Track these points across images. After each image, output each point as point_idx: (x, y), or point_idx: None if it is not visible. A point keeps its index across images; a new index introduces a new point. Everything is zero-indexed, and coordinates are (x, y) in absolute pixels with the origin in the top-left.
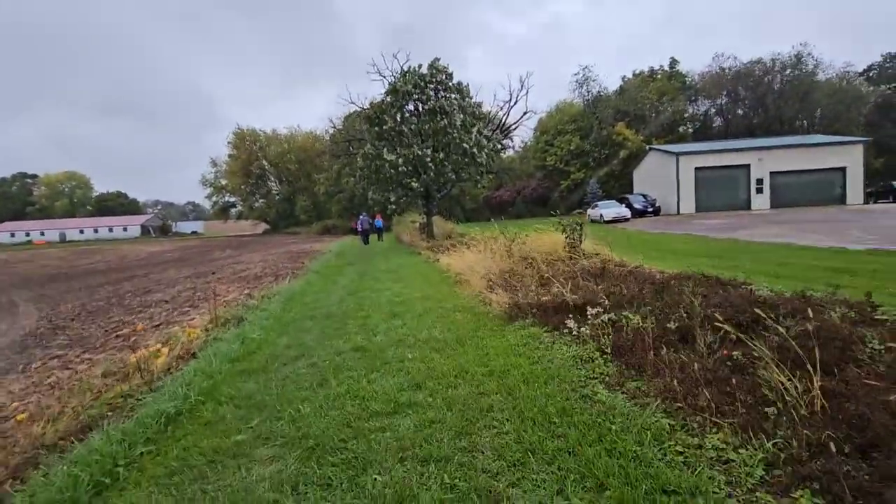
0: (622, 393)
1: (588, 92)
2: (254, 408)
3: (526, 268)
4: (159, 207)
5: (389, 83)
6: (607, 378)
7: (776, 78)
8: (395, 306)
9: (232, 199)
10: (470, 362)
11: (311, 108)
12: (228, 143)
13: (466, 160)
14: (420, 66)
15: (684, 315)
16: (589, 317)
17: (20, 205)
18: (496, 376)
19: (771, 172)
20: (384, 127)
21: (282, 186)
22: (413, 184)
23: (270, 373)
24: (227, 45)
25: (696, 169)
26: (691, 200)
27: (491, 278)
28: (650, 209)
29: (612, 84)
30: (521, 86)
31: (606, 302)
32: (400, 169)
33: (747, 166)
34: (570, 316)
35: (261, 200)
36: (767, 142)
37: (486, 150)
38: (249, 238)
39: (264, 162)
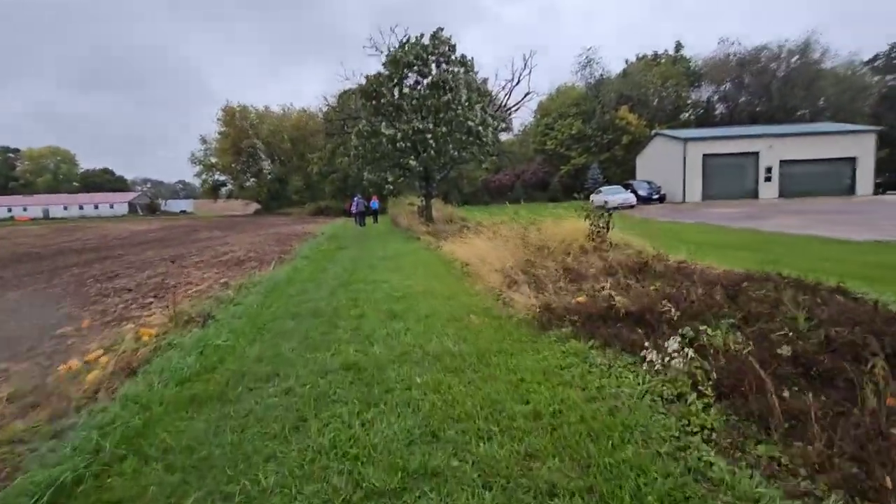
0: (750, 467)
1: (591, 75)
2: (194, 471)
3: (545, 259)
4: (148, 185)
5: (388, 55)
6: (714, 434)
7: (782, 65)
8: (394, 303)
9: (222, 178)
10: (501, 393)
11: (303, 87)
12: (218, 119)
13: (470, 139)
14: (422, 36)
15: (791, 335)
16: (663, 333)
17: (2, 179)
18: (545, 422)
19: (781, 161)
20: (381, 101)
21: (274, 166)
22: (411, 162)
23: (229, 403)
24: (217, 22)
25: (705, 156)
26: (698, 188)
27: (509, 272)
28: (655, 196)
29: (614, 68)
30: (525, 64)
31: (673, 310)
32: (398, 145)
33: (756, 154)
34: (627, 327)
35: (252, 180)
36: (778, 129)
37: (490, 128)
38: (240, 218)
39: (256, 140)
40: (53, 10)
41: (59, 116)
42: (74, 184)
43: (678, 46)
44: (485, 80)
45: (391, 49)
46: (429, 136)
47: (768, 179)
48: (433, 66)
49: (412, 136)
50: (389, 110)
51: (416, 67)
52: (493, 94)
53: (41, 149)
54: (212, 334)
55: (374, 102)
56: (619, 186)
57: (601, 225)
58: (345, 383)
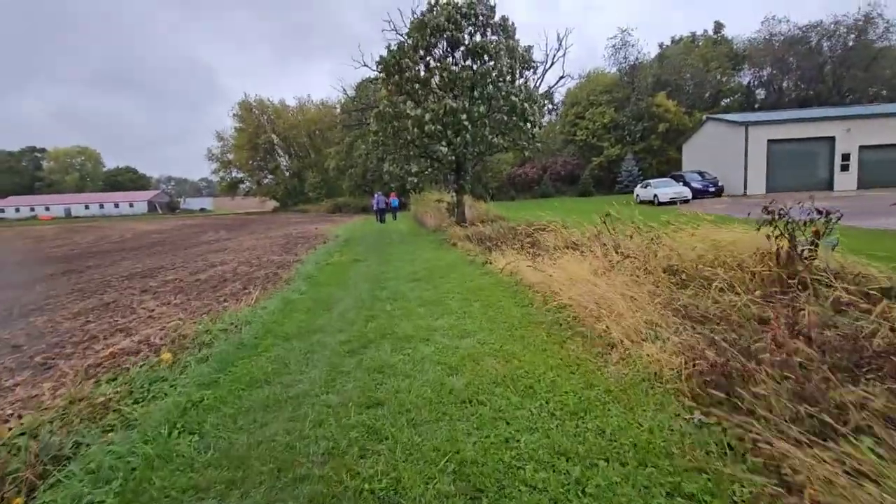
0: None
1: (625, 59)
2: None
3: (716, 302)
4: (172, 184)
5: (414, 19)
6: None
7: (838, 44)
8: (468, 412)
9: (240, 175)
10: None
11: (319, 82)
12: (234, 115)
13: (514, 119)
14: None
15: None
16: None
17: (29, 179)
18: None
19: (861, 146)
20: (405, 76)
21: (291, 161)
22: (442, 149)
23: None
24: (226, 21)
25: (769, 142)
26: (761, 179)
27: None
28: (711, 189)
29: (649, 52)
30: (560, 45)
31: None
32: (426, 129)
33: (831, 139)
34: None
35: (269, 177)
36: (857, 110)
37: (537, 105)
38: (255, 216)
39: (273, 135)
40: (76, 14)
41: (84, 117)
42: (100, 183)
43: (718, 27)
44: (529, 48)
45: (416, 17)
46: (463, 116)
47: (845, 168)
48: (468, 31)
49: (443, 117)
50: (415, 87)
51: (448, 33)
52: (538, 66)
53: (67, 148)
54: None
55: (396, 78)
56: (668, 179)
57: (806, 243)
58: None
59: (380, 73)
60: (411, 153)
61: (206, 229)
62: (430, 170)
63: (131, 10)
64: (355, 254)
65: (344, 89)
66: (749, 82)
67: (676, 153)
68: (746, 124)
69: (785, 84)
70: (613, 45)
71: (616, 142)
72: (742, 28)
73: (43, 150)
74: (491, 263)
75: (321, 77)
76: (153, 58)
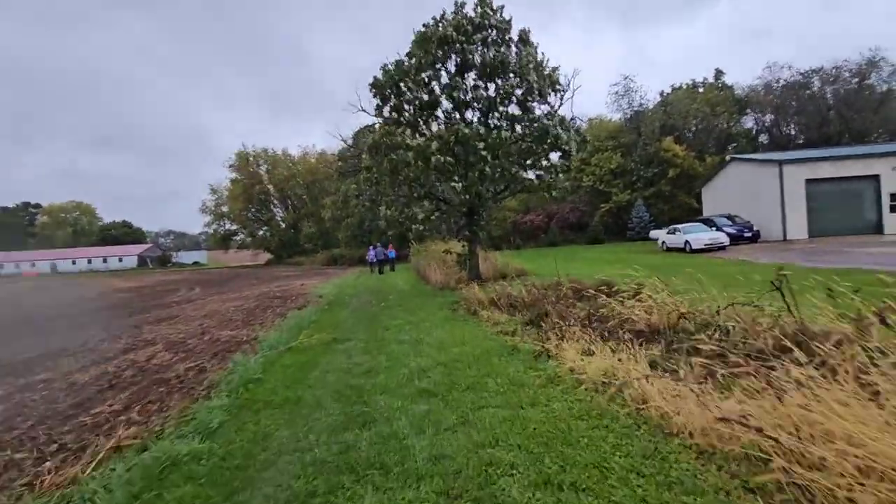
0: None
1: (629, 105)
2: None
3: None
4: (172, 237)
5: (417, 32)
6: None
7: (840, 88)
8: None
9: (233, 227)
10: None
11: (316, 138)
12: (230, 165)
13: (545, 147)
14: (462, 5)
15: None
16: None
17: (21, 235)
18: None
19: None
20: (402, 99)
21: (287, 213)
22: (455, 186)
23: None
24: (220, 89)
25: (808, 182)
26: (802, 222)
27: None
28: (747, 234)
29: (649, 99)
30: (568, 86)
31: None
32: (433, 161)
33: (876, 177)
34: None
35: (264, 228)
36: None
37: (573, 132)
38: (244, 270)
39: (269, 186)
40: (76, 80)
41: (82, 175)
42: (93, 237)
43: (718, 74)
44: (556, 68)
45: (418, 31)
46: (480, 145)
47: (895, 209)
48: (481, 46)
49: (454, 146)
50: (418, 113)
51: (457, 45)
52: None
53: (62, 203)
54: None
55: (395, 101)
56: (697, 223)
57: None
58: None
59: (373, 96)
60: (413, 194)
61: (183, 286)
62: (437, 214)
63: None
64: (336, 327)
65: (342, 137)
66: (752, 128)
67: (688, 198)
68: (781, 163)
69: (789, 129)
70: (616, 92)
71: (625, 187)
72: (736, 76)
73: (38, 206)
74: (550, 357)
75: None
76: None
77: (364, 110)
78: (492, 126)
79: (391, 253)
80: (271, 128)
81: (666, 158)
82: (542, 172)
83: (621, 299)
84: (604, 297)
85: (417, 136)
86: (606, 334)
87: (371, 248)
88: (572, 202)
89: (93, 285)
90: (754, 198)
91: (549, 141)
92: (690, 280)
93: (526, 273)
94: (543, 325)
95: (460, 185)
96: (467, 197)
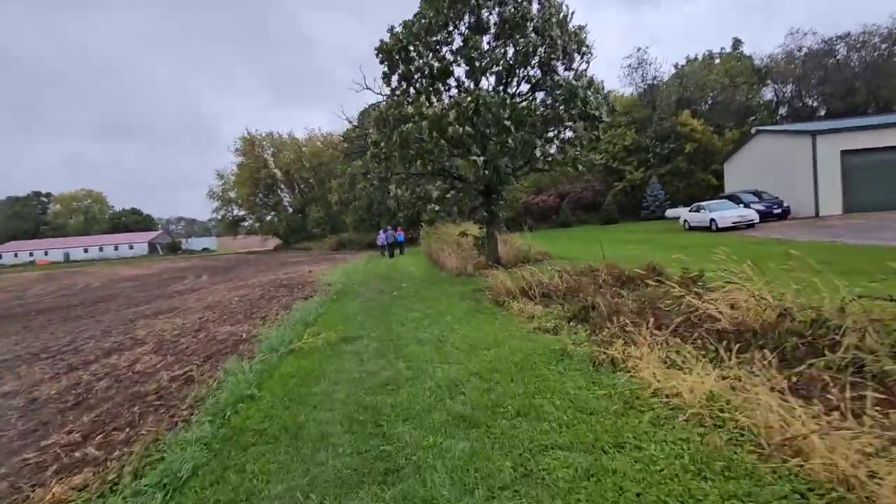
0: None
1: (643, 78)
2: None
3: None
4: (182, 224)
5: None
6: None
7: (869, 55)
8: None
9: (241, 213)
10: None
11: (318, 123)
12: (236, 149)
13: (573, 112)
14: None
15: None
16: None
17: (34, 224)
18: None
19: None
20: (411, 66)
21: (294, 196)
22: (476, 159)
23: None
24: (228, 77)
25: (843, 153)
26: (837, 197)
27: None
28: (776, 210)
29: (664, 72)
30: (582, 56)
31: None
32: (450, 131)
33: None
34: None
35: (271, 213)
36: None
37: (601, 96)
38: (253, 256)
39: (276, 170)
40: (74, 67)
41: (92, 164)
42: (105, 225)
43: (736, 43)
44: (582, 27)
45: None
46: (504, 113)
47: None
48: (496, 4)
49: (473, 114)
50: (429, 81)
51: (472, 0)
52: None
53: (74, 192)
54: None
55: (401, 70)
56: (724, 200)
57: None
58: None
59: (380, 62)
60: (427, 169)
61: (191, 273)
62: (452, 193)
63: (145, 65)
64: (346, 321)
65: (346, 117)
66: (772, 99)
67: (705, 175)
68: (814, 133)
69: (811, 100)
70: (629, 65)
71: (639, 165)
72: (754, 47)
73: (49, 195)
74: (617, 367)
75: (323, 120)
76: (164, 108)
77: (369, 88)
78: (511, 93)
79: (400, 236)
80: (276, 114)
81: (683, 133)
82: (565, 145)
83: (678, 289)
84: (653, 283)
85: (432, 103)
86: (678, 334)
87: (381, 231)
88: (586, 181)
89: (100, 274)
90: (783, 172)
91: (577, 106)
92: (733, 262)
93: (550, 256)
94: (591, 320)
95: (481, 159)
96: (486, 173)
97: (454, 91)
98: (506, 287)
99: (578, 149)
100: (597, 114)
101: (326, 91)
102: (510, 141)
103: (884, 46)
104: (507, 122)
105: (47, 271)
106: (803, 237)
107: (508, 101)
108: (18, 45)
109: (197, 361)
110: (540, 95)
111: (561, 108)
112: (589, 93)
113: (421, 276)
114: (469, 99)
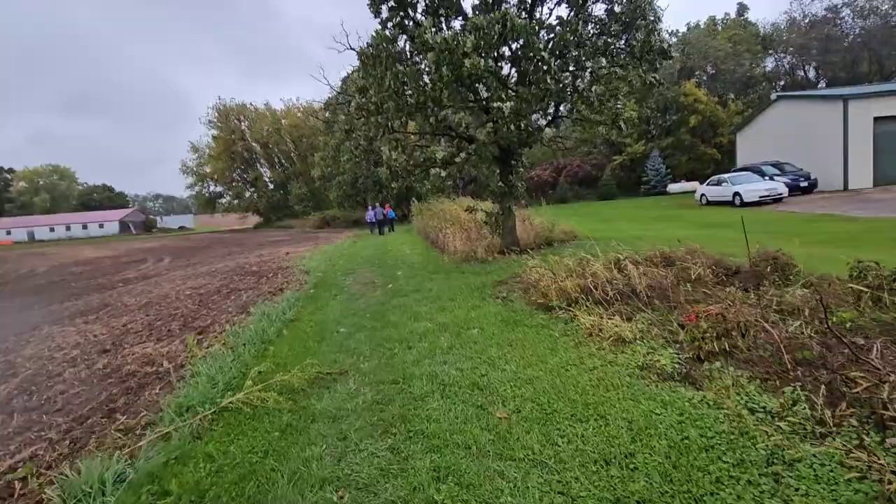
0: None
1: None
2: None
3: None
4: (161, 201)
5: None
6: None
7: (875, 23)
8: None
9: (218, 189)
10: None
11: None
12: (209, 121)
13: (636, 41)
14: None
15: None
16: None
17: None
18: None
19: None
20: None
21: (274, 172)
22: (502, 107)
23: None
24: (197, 50)
25: (877, 120)
26: (867, 168)
27: None
28: (802, 183)
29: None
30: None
31: None
32: (467, 65)
33: None
34: None
35: (250, 189)
36: None
37: (654, 13)
38: (228, 235)
39: (254, 143)
40: (49, 42)
41: (63, 139)
42: (73, 202)
43: (741, 9)
44: None
45: None
46: (539, 43)
47: None
48: None
49: (498, 41)
50: (433, 4)
51: None
52: None
53: (39, 167)
54: None
55: None
56: (747, 173)
57: None
58: None
59: None
60: (429, 124)
61: (153, 256)
62: (462, 156)
63: (112, 38)
64: (323, 338)
65: (327, 81)
66: (773, 69)
67: (708, 148)
68: (846, 99)
69: (812, 71)
70: None
71: (640, 137)
72: (758, 13)
73: (11, 171)
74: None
75: (303, 94)
76: (141, 85)
77: (352, 48)
78: (540, 19)
79: (390, 213)
80: (252, 88)
81: (686, 104)
82: (604, 94)
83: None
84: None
85: (441, 28)
86: None
87: (370, 208)
88: (587, 153)
89: (58, 255)
90: (808, 141)
91: (642, 32)
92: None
93: (578, 237)
94: (739, 354)
95: (508, 105)
96: (512, 128)
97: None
98: (557, 285)
99: (621, 101)
100: (665, 46)
101: (303, 66)
102: (549, 80)
103: (893, 13)
104: (545, 54)
105: (2, 252)
106: (866, 212)
107: (543, 24)
108: None
109: (48, 438)
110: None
111: (612, 36)
112: (658, 10)
113: (419, 261)
114: (494, 17)
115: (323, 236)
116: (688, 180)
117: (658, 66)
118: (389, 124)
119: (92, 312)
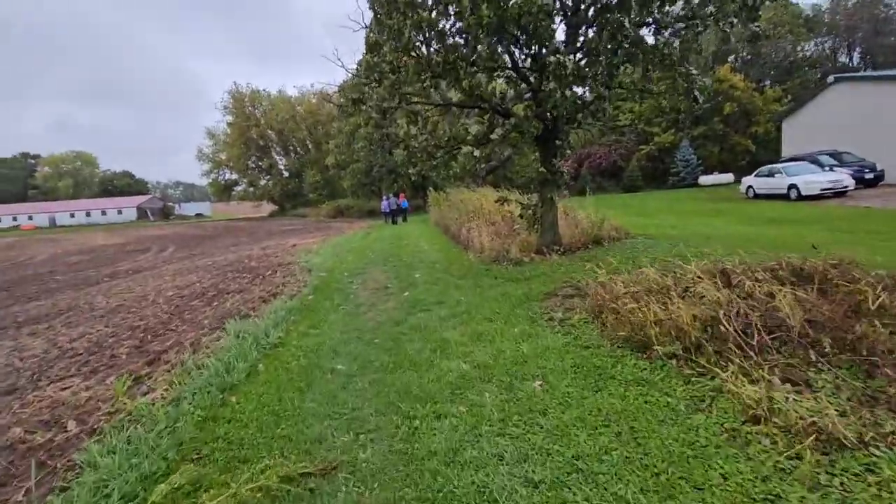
0: None
1: None
2: None
3: None
4: (181, 188)
5: None
6: None
7: None
8: None
9: (234, 177)
10: None
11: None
12: (224, 106)
13: None
14: None
15: None
16: None
17: (22, 187)
18: None
19: None
20: None
21: (289, 160)
22: (566, 60)
23: None
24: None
25: None
26: None
27: None
28: (867, 175)
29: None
30: None
31: None
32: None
33: None
34: None
35: (265, 177)
36: None
37: None
38: (242, 223)
39: (269, 130)
40: (75, 34)
41: (85, 127)
42: (94, 188)
43: None
44: None
45: None
46: None
47: None
48: None
49: None
50: None
51: None
52: None
53: (62, 154)
54: None
55: None
56: (803, 163)
57: None
58: None
59: None
60: (460, 87)
61: (158, 244)
62: (500, 132)
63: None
64: (310, 382)
65: (341, 63)
66: (814, 53)
67: (743, 139)
68: None
69: (856, 57)
70: None
71: (669, 126)
72: None
73: (37, 157)
74: None
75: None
76: (163, 73)
77: (367, 26)
78: None
79: (404, 203)
80: (269, 79)
81: (721, 91)
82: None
83: None
84: None
85: None
86: None
87: (384, 198)
88: (615, 141)
89: (68, 242)
90: (871, 129)
91: None
92: None
93: (630, 234)
94: None
95: (572, 59)
96: (568, 94)
97: None
98: (657, 313)
99: (697, 71)
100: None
101: (317, 58)
102: (627, 25)
103: None
104: None
105: (17, 237)
106: None
107: None
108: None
109: None
110: None
111: None
112: None
113: (440, 259)
114: None
115: (335, 226)
116: (720, 172)
117: (759, 12)
118: (407, 90)
119: (49, 318)
